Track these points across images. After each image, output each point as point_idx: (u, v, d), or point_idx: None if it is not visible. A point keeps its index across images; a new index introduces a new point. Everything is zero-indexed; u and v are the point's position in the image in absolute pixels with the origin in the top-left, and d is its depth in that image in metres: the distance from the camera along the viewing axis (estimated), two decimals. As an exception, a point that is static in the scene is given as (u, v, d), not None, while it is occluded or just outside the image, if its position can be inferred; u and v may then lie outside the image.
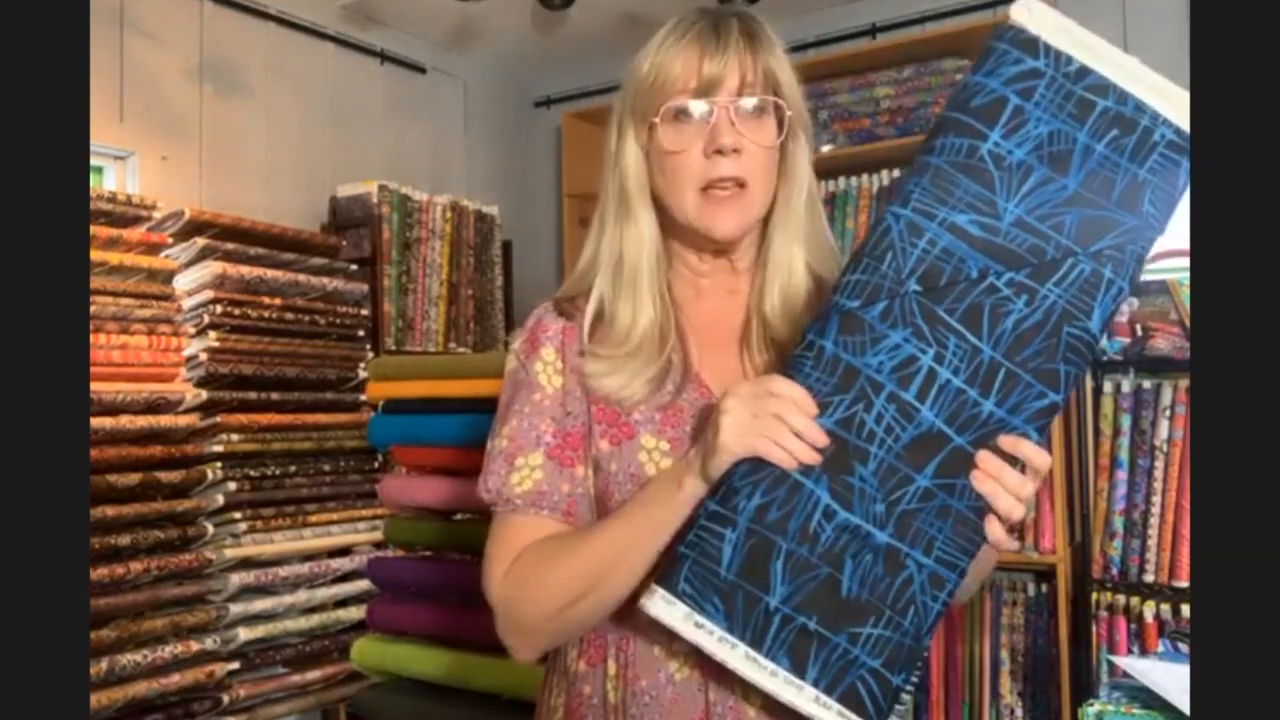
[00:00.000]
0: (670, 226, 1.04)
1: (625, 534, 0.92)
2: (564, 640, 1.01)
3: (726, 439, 0.85)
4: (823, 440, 0.86)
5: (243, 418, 2.51)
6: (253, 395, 2.55)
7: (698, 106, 0.97)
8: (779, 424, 0.84)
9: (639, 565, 0.91)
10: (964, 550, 0.88)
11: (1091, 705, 1.12)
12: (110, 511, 2.15)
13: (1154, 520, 2.57)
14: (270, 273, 2.62)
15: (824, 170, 2.96)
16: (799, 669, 0.86)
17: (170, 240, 2.44)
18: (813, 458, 0.85)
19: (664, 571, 0.88)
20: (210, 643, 2.31)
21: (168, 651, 2.22)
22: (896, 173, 3.01)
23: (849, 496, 0.87)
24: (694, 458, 0.89)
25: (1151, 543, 2.57)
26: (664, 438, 0.97)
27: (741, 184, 0.98)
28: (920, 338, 0.87)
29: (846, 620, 0.87)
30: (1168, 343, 2.59)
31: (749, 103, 0.97)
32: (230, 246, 2.54)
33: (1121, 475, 2.63)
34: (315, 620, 2.60)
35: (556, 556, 0.95)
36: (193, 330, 2.46)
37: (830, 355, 0.87)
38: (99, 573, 2.11)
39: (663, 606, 0.87)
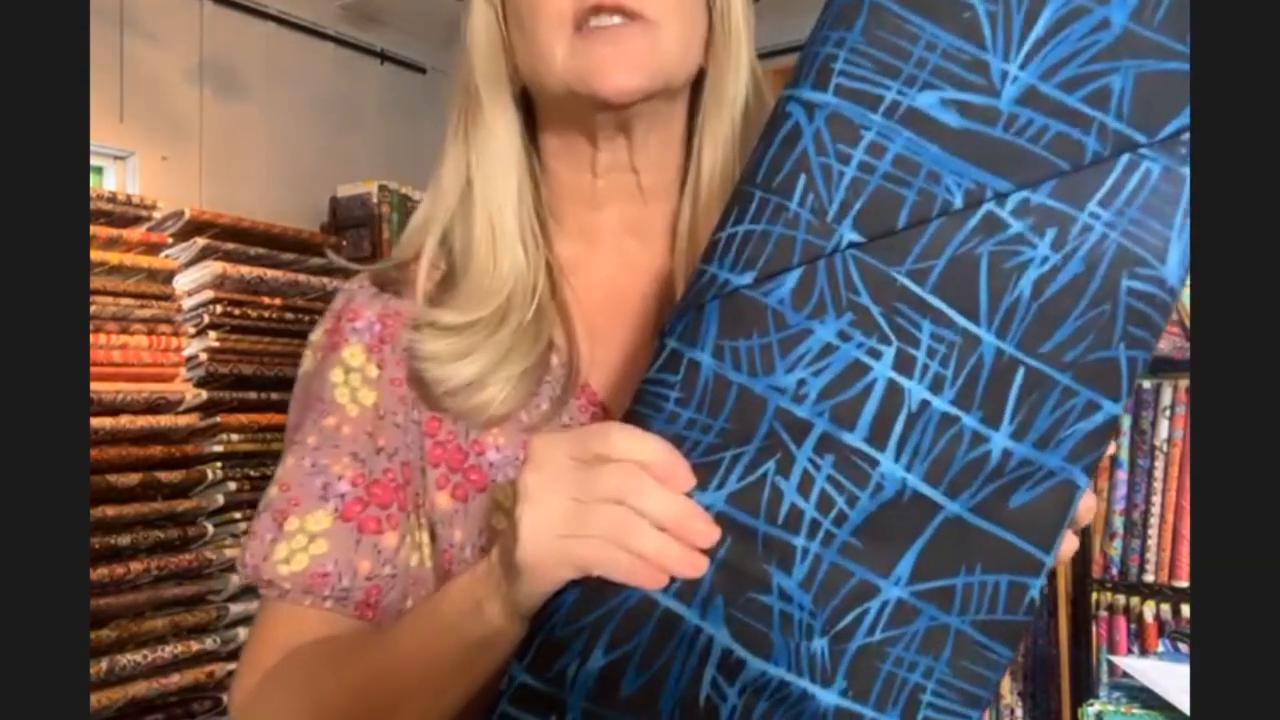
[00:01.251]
0: (543, 121, 0.70)
1: (409, 665, 0.56)
2: None
3: (530, 550, 0.48)
4: (709, 534, 0.48)
5: (243, 418, 2.51)
6: (253, 395, 2.55)
7: None
8: (623, 514, 0.47)
9: (443, 689, 0.55)
10: (973, 700, 0.51)
11: (1091, 705, 1.12)
12: (110, 511, 2.15)
13: (1154, 520, 2.57)
14: (270, 273, 2.62)
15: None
16: None
17: (170, 240, 2.44)
18: (691, 568, 0.48)
19: None
20: (210, 643, 2.31)
21: (168, 651, 2.21)
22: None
23: (762, 632, 0.48)
24: (495, 567, 0.52)
25: (1151, 543, 2.57)
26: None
27: (633, 15, 0.62)
28: (869, 330, 0.48)
29: None
30: (1168, 343, 2.59)
31: None
32: (230, 246, 2.54)
33: (1121, 475, 2.64)
34: (315, 620, 2.60)
35: (332, 666, 0.61)
36: (193, 330, 2.46)
37: (709, 376, 0.49)
38: (99, 573, 2.11)
39: None
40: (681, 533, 0.47)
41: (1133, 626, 2.61)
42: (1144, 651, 2.47)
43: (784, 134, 0.49)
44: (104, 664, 2.09)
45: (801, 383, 0.48)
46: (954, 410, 0.49)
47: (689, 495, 0.48)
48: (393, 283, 0.70)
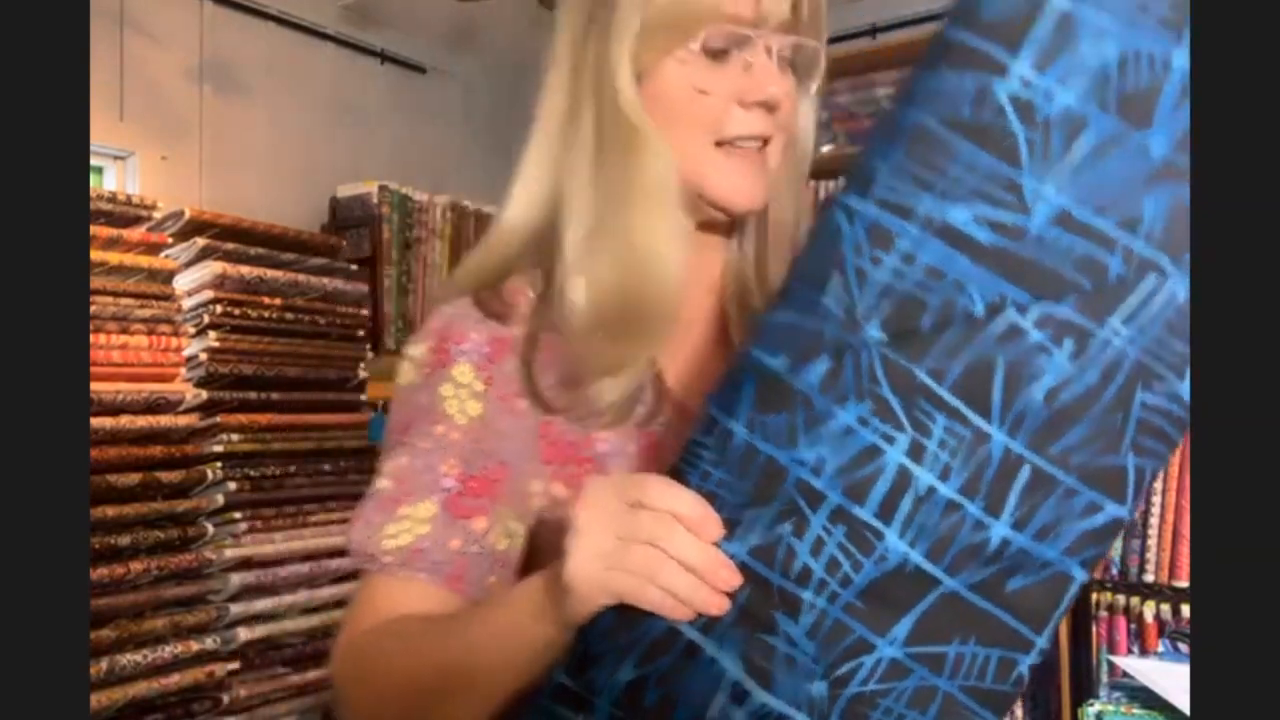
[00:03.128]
0: None
1: (470, 655, 0.67)
2: None
3: (578, 573, 0.57)
4: (732, 580, 0.56)
5: (243, 418, 2.51)
6: (253, 395, 2.55)
7: (755, 42, 0.74)
8: (656, 555, 0.55)
9: (503, 682, 0.65)
10: None
11: (1091, 705, 1.12)
12: (110, 511, 2.15)
13: (1154, 520, 2.57)
14: (270, 273, 2.62)
15: (824, 170, 2.95)
16: None
17: (170, 240, 2.44)
18: (714, 607, 0.55)
19: None
20: (210, 643, 2.31)
21: (168, 651, 2.21)
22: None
23: (769, 669, 0.55)
24: (553, 584, 0.61)
25: (1151, 543, 2.57)
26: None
27: (766, 142, 0.76)
28: (886, 418, 0.53)
29: None
30: (1168, 343, 2.59)
31: (807, 45, 0.77)
32: (230, 246, 2.54)
33: (1121, 475, 2.63)
34: (315, 620, 2.60)
35: (401, 644, 0.71)
36: (193, 330, 2.46)
37: (741, 444, 0.56)
38: (99, 573, 2.11)
39: None
40: (708, 576, 0.56)
41: (1133, 626, 2.60)
42: (1144, 651, 2.47)
43: (828, 235, 0.56)
44: (104, 664, 2.09)
45: (821, 459, 0.54)
46: (958, 498, 0.53)
47: (718, 544, 0.56)
48: (494, 310, 0.78)
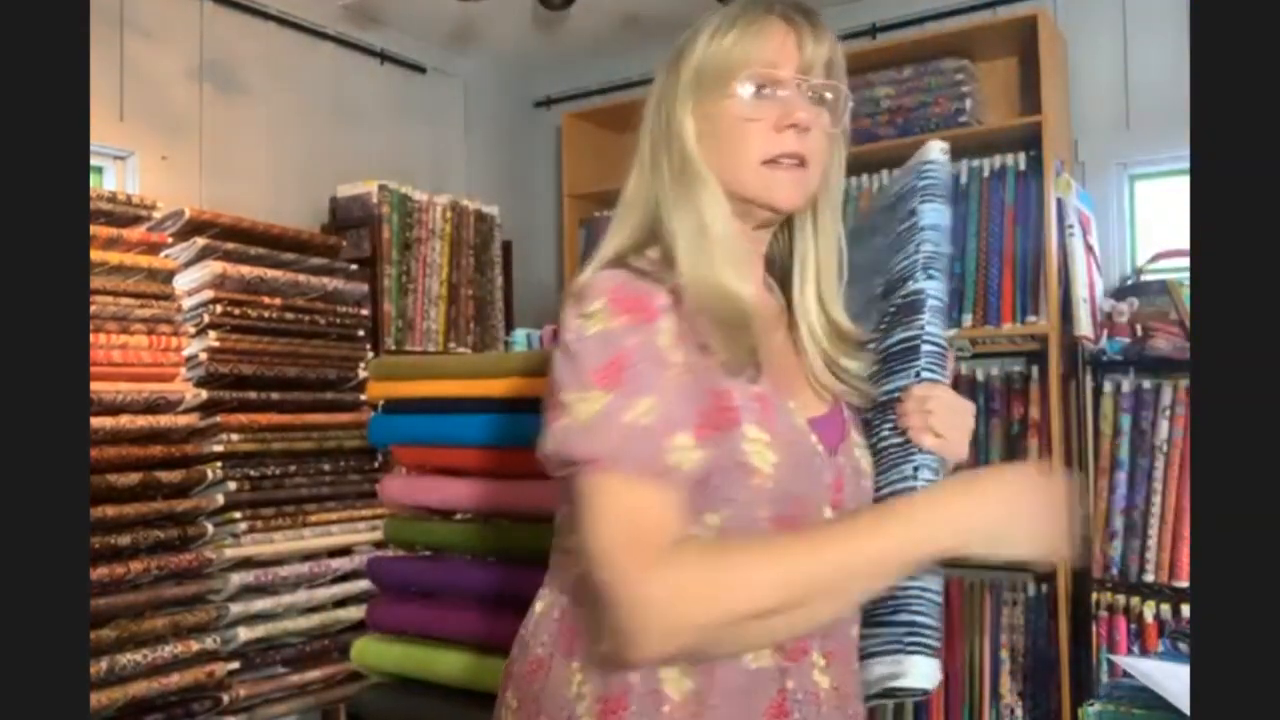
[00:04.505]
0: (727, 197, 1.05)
1: (889, 547, 0.88)
2: (706, 656, 0.90)
3: (1032, 546, 0.90)
4: None
5: (243, 418, 2.51)
6: (253, 395, 2.55)
7: (787, 80, 0.98)
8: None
9: (873, 586, 0.91)
10: None
11: (1091, 705, 1.12)
12: (110, 511, 2.15)
13: (1154, 520, 2.57)
14: (270, 273, 2.62)
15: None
16: None
17: (170, 240, 2.44)
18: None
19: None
20: (210, 643, 2.31)
21: (168, 651, 2.21)
22: (896, 173, 3.00)
23: None
24: (961, 525, 0.89)
25: (1151, 543, 2.57)
26: (765, 429, 0.93)
27: (803, 162, 0.99)
28: None
29: None
30: (1168, 343, 2.59)
31: (835, 87, 1.01)
32: (230, 246, 2.54)
33: (1121, 475, 2.64)
34: (315, 620, 2.60)
35: (769, 554, 0.87)
36: (193, 330, 2.46)
37: None
38: (99, 573, 2.11)
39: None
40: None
41: (1133, 626, 2.60)
42: (1144, 651, 2.47)
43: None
44: (104, 664, 2.09)
45: None
46: None
47: None
48: (659, 279, 0.95)
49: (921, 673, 0.95)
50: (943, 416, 1.02)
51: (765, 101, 0.98)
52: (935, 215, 1.09)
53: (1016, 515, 0.89)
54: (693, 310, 0.93)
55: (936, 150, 1.13)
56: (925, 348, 1.05)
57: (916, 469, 1.00)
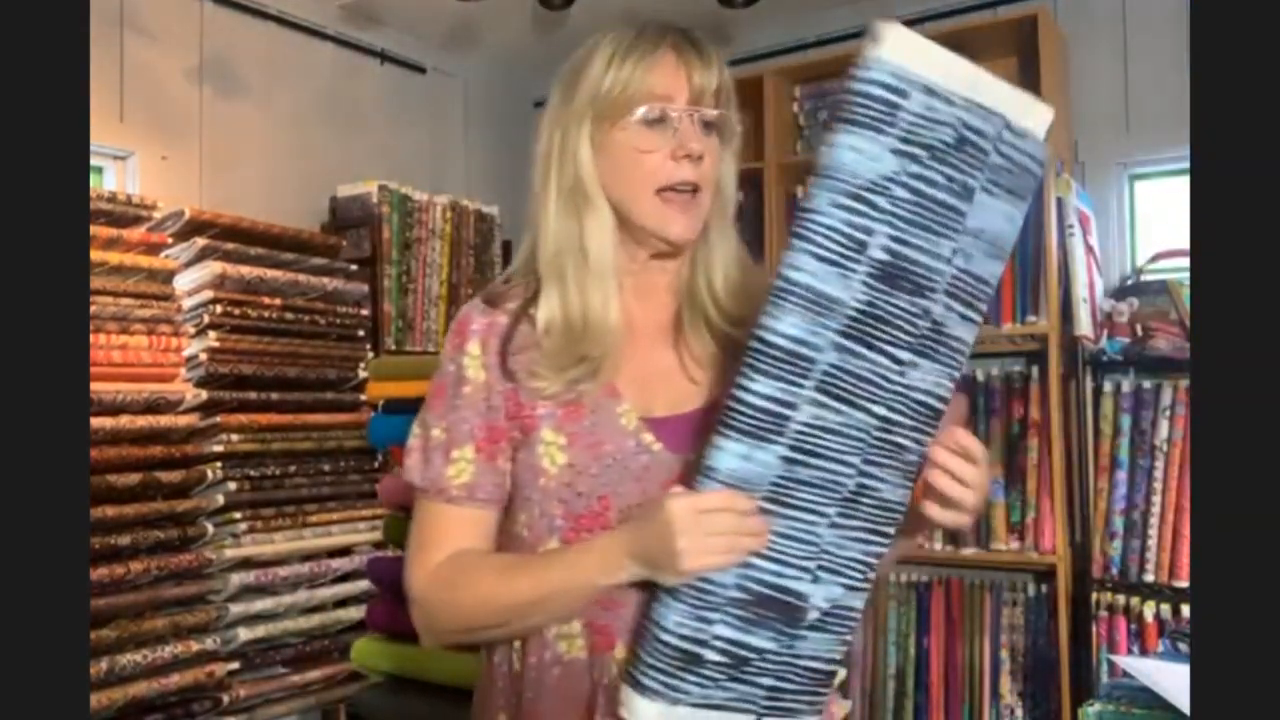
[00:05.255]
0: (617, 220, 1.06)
1: (555, 586, 0.96)
2: (478, 644, 1.07)
3: (691, 563, 0.88)
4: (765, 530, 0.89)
5: (243, 418, 2.51)
6: (253, 395, 2.55)
7: (679, 112, 1.01)
8: (730, 540, 0.88)
9: (560, 613, 0.98)
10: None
11: (1091, 705, 1.12)
12: (110, 511, 2.15)
13: (1154, 520, 2.57)
14: (270, 273, 2.62)
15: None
16: None
17: (170, 240, 2.44)
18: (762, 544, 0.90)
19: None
20: (210, 643, 2.31)
21: (168, 651, 2.22)
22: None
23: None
24: (634, 556, 0.91)
25: (1151, 543, 2.57)
26: (561, 433, 1.00)
27: (696, 189, 1.02)
28: None
29: None
30: (1168, 343, 2.59)
31: (726, 115, 1.03)
32: (230, 246, 2.54)
33: (1121, 475, 2.64)
34: (315, 620, 2.60)
35: (483, 580, 0.99)
36: (193, 330, 2.46)
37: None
38: (99, 573, 2.11)
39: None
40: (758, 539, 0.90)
41: (1133, 626, 2.60)
42: (1144, 651, 2.47)
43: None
44: (104, 664, 2.09)
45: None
46: None
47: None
48: (494, 302, 1.06)
49: (638, 711, 0.91)
50: (962, 492, 0.94)
51: (660, 132, 1.01)
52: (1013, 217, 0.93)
53: (660, 541, 0.88)
54: (542, 325, 1.01)
55: (1042, 126, 0.95)
56: (964, 354, 0.94)
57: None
